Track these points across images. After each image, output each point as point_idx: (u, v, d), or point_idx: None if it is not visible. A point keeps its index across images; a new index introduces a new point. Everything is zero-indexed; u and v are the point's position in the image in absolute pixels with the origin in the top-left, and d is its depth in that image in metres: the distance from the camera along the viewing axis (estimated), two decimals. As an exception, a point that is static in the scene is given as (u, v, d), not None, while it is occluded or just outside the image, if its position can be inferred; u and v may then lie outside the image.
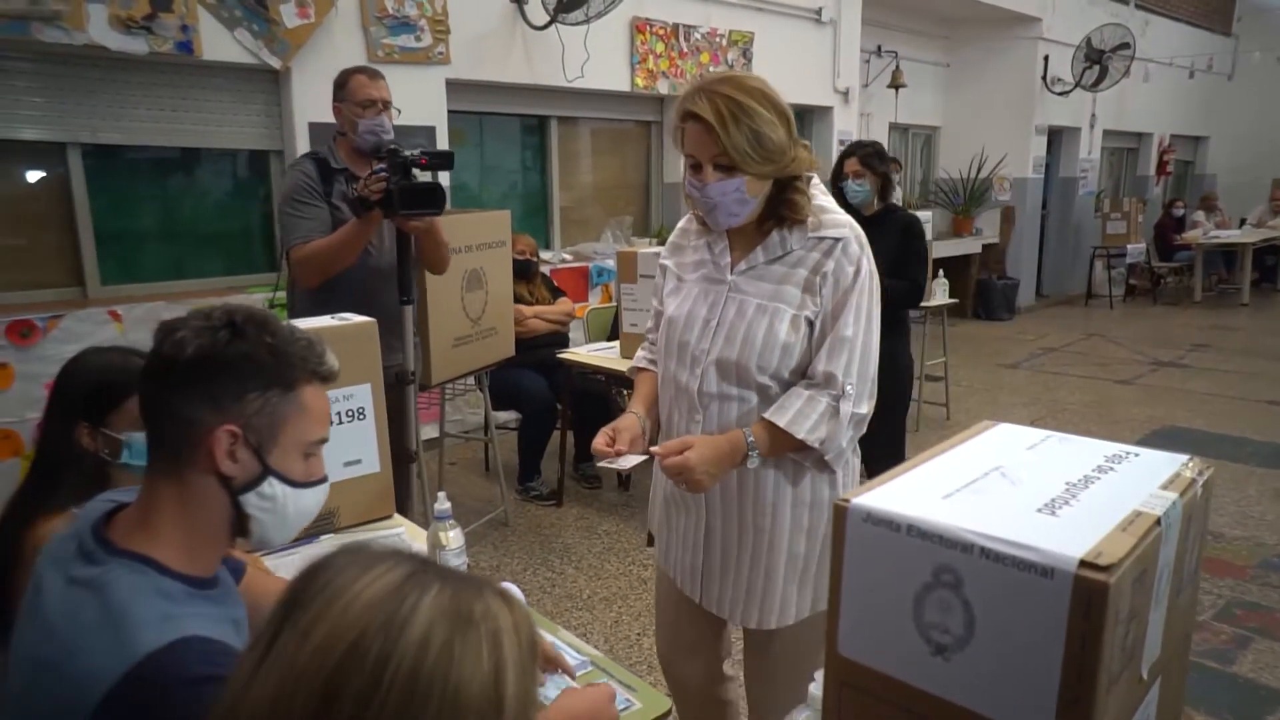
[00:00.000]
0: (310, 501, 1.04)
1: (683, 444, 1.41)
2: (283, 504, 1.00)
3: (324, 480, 1.06)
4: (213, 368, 0.93)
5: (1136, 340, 7.82)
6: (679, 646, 1.75)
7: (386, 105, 2.58)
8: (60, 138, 3.60)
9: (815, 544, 1.53)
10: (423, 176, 2.43)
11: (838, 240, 1.43)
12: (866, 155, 3.24)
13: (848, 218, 1.49)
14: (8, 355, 3.35)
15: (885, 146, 8.28)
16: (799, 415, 1.40)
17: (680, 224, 1.68)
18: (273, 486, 0.98)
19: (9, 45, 3.31)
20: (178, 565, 0.93)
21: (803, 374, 1.47)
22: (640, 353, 1.77)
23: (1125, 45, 8.73)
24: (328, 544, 1.78)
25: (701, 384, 1.50)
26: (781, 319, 1.44)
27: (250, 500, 0.98)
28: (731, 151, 1.36)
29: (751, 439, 1.42)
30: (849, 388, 1.41)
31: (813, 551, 1.53)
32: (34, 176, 3.69)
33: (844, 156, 3.31)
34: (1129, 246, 9.55)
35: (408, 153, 2.34)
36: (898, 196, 4.17)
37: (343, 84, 2.59)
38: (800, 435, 1.39)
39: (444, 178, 4.59)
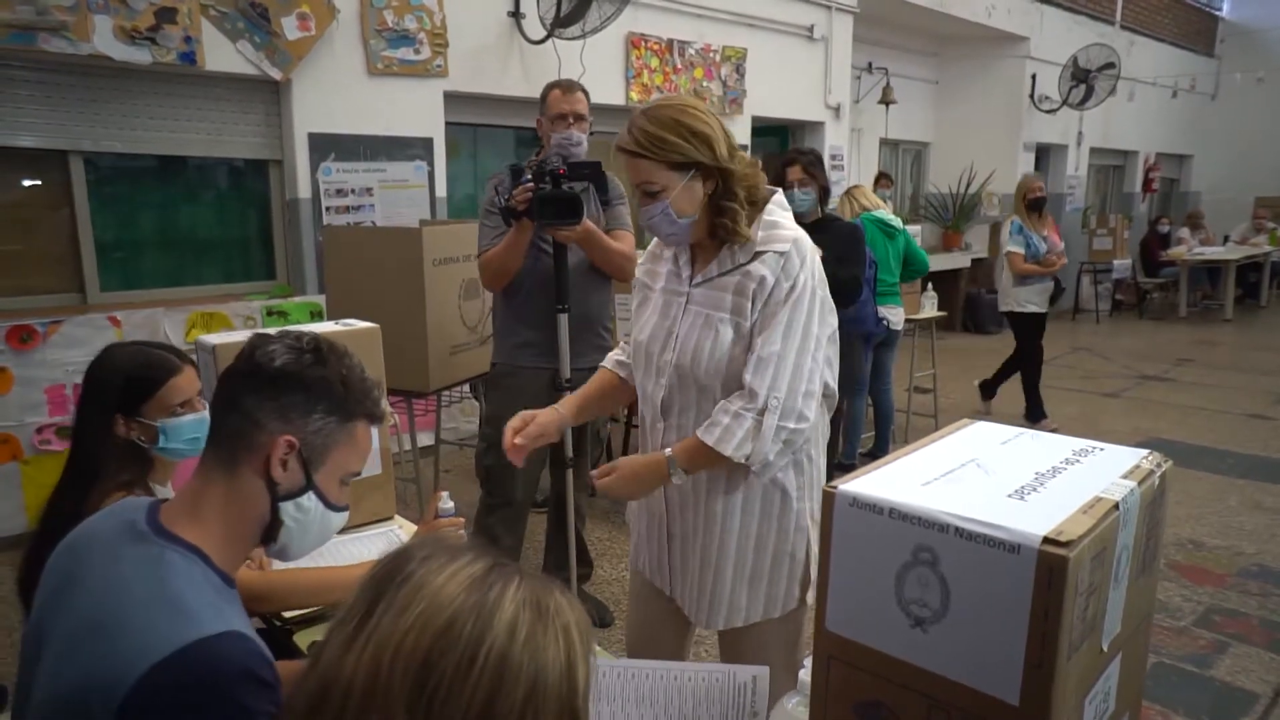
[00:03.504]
0: (335, 523, 1.14)
1: (612, 467, 1.53)
2: (313, 519, 1.09)
3: (347, 508, 1.15)
4: (293, 383, 1.04)
5: (1122, 354, 7.93)
6: (644, 640, 1.82)
7: (579, 119, 2.60)
8: (63, 145, 3.65)
9: (765, 554, 1.56)
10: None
11: (780, 254, 1.46)
12: (809, 163, 3.15)
13: (796, 233, 1.49)
14: (7, 360, 3.38)
15: (877, 161, 8.43)
16: (725, 432, 1.43)
17: None
18: (310, 501, 1.07)
19: (15, 55, 3.36)
20: (217, 561, 1.01)
21: None
22: (613, 353, 1.81)
23: (1110, 65, 8.90)
24: (333, 542, 1.82)
25: (665, 393, 1.56)
26: (725, 329, 1.48)
27: (288, 509, 1.06)
28: (649, 177, 1.44)
29: (670, 456, 1.49)
30: (774, 402, 1.42)
31: (761, 561, 1.56)
32: (36, 184, 3.74)
33: (785, 164, 3.20)
34: (1115, 262, 9.68)
35: (552, 164, 2.36)
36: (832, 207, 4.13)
37: (543, 98, 2.65)
38: (726, 453, 1.42)
39: (440, 188, 4.68)
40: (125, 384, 1.45)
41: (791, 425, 1.43)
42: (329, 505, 1.09)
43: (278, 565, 1.56)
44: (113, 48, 3.46)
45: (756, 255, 1.47)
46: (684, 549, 1.62)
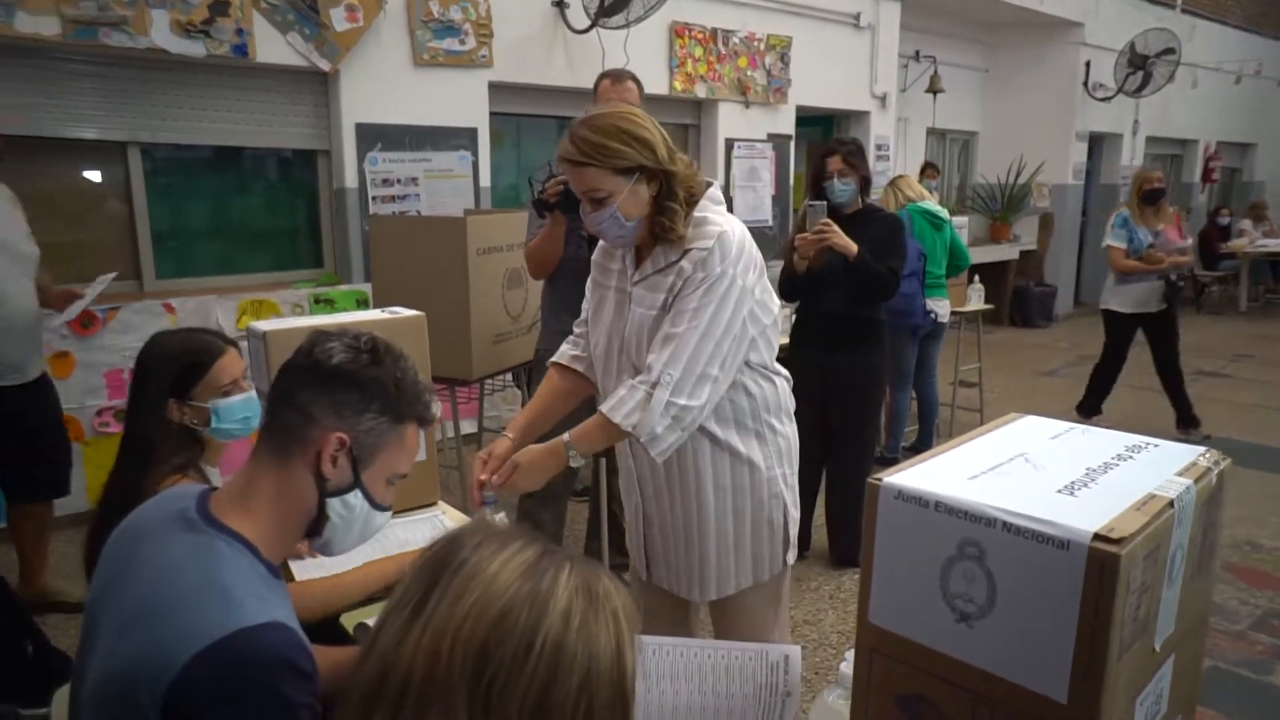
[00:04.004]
0: (378, 522, 1.15)
1: (511, 465, 1.56)
2: (358, 517, 1.11)
3: (390, 508, 1.17)
4: (349, 381, 1.06)
5: (1177, 349, 7.69)
6: (646, 625, 1.85)
7: None
8: (121, 137, 3.76)
9: (744, 523, 1.65)
10: None
11: (704, 250, 1.49)
12: (849, 152, 3.09)
13: (722, 228, 1.51)
14: (70, 345, 3.50)
15: (923, 151, 8.28)
16: (619, 402, 1.50)
17: None
18: (356, 499, 1.09)
19: (77, 49, 3.47)
20: (263, 551, 1.03)
21: None
22: (564, 346, 1.84)
23: (1170, 50, 8.60)
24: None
25: None
26: (658, 325, 1.54)
27: (334, 505, 1.08)
28: (596, 184, 1.48)
29: (568, 441, 1.55)
30: (666, 378, 1.46)
31: (742, 529, 1.65)
32: (97, 175, 3.85)
33: (825, 155, 3.14)
34: (1171, 255, 9.38)
35: None
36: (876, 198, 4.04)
37: (595, 88, 2.72)
38: (616, 420, 1.49)
39: (485, 178, 4.72)
40: (176, 369, 1.49)
41: (681, 402, 1.48)
42: (374, 504, 1.11)
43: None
44: (169, 41, 3.55)
45: (685, 253, 1.52)
46: (661, 533, 1.70)
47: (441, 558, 0.68)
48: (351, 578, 1.55)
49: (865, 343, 3.13)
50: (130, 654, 0.91)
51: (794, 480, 1.72)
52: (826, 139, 6.76)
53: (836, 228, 2.91)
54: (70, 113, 3.60)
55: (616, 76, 2.67)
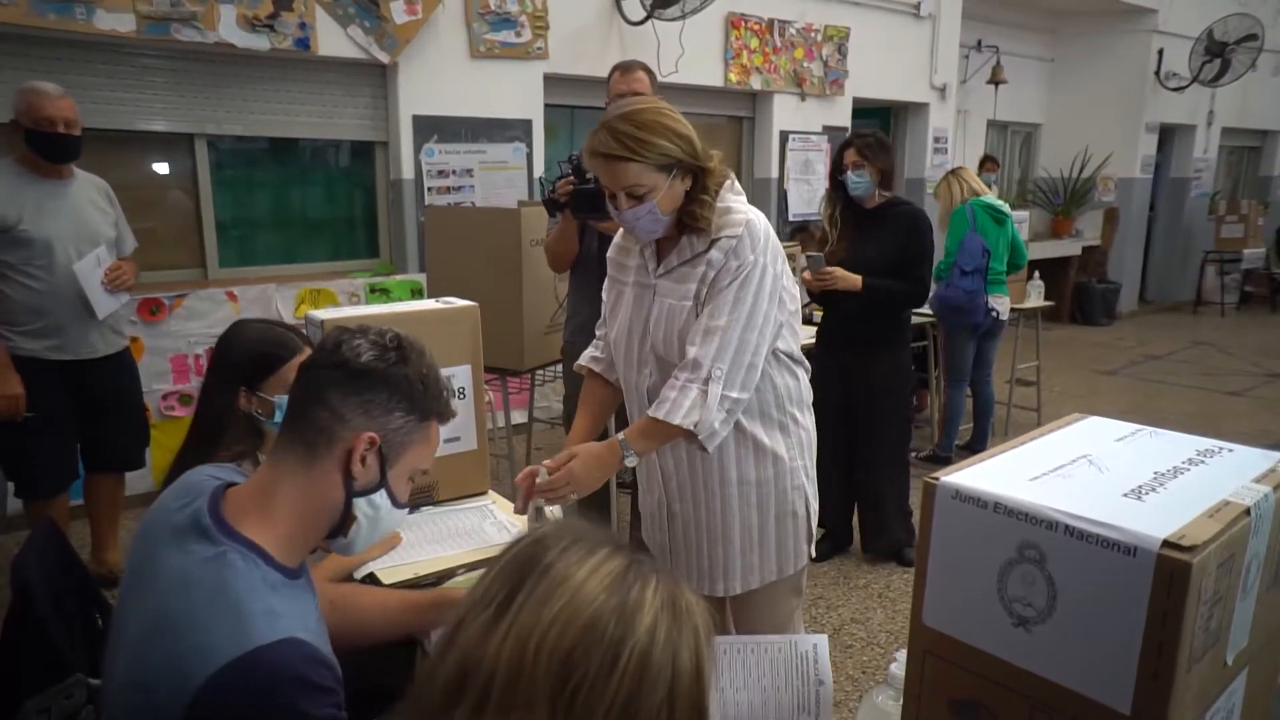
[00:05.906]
0: (397, 520, 1.14)
1: (569, 454, 1.55)
2: (381, 516, 1.10)
3: (407, 507, 1.15)
4: (377, 380, 1.04)
5: (1250, 350, 7.39)
6: None
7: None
8: (189, 129, 3.87)
9: (768, 517, 1.66)
10: None
11: (733, 238, 1.51)
12: (865, 145, 3.06)
13: (747, 216, 1.53)
14: (139, 330, 3.62)
15: (983, 144, 8.07)
16: (673, 405, 1.50)
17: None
18: (382, 499, 1.08)
19: (150, 45, 3.58)
20: (278, 556, 1.01)
21: None
22: (589, 350, 1.84)
23: (1253, 36, 8.22)
24: (429, 515, 1.89)
25: (651, 382, 1.62)
26: (690, 315, 1.55)
27: (361, 505, 1.07)
28: (638, 180, 1.47)
29: (623, 439, 1.54)
30: (717, 371, 1.48)
31: (766, 524, 1.66)
32: (165, 166, 3.98)
33: (842, 147, 3.15)
34: (1246, 251, 9.01)
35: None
36: (901, 188, 3.96)
37: (607, 81, 2.72)
38: (675, 422, 1.49)
39: (539, 170, 4.75)
40: (253, 359, 1.52)
41: (734, 395, 1.50)
42: (395, 503, 1.10)
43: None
44: (235, 35, 3.64)
45: (713, 243, 1.53)
46: (685, 529, 1.70)
47: (526, 558, 0.67)
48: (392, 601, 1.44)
49: (889, 343, 3.14)
50: (151, 665, 0.91)
51: (814, 472, 1.73)
52: (884, 130, 6.65)
53: (838, 273, 2.97)
54: (141, 106, 3.72)
55: (625, 68, 2.64)
